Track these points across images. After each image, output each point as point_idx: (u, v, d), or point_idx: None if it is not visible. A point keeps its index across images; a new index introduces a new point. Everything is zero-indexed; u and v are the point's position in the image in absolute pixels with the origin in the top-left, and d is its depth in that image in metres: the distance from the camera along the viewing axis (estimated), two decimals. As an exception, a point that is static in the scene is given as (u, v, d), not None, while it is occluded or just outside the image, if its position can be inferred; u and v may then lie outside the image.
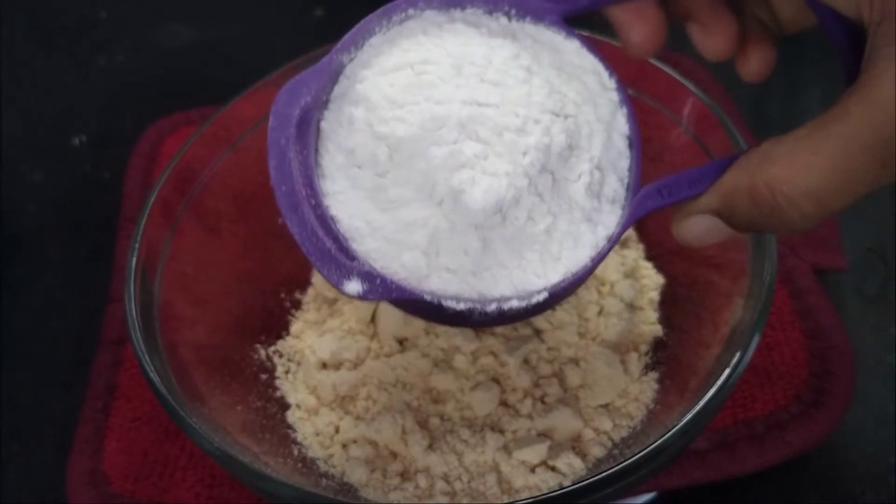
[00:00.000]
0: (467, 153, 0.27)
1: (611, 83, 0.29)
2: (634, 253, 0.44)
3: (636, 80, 0.41)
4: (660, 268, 0.43)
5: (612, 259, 0.43)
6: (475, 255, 0.27)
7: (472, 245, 0.27)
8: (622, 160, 0.29)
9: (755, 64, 0.29)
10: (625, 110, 0.29)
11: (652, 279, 0.43)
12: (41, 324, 0.49)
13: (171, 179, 0.39)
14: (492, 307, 0.28)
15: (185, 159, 0.40)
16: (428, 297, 0.27)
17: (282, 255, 0.44)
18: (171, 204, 0.39)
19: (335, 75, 0.28)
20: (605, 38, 0.32)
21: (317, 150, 0.28)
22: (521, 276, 0.28)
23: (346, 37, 0.28)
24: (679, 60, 0.53)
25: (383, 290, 0.27)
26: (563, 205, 0.28)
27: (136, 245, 0.36)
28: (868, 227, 0.49)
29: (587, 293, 0.42)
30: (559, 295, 0.28)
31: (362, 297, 0.26)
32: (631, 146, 0.29)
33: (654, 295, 0.42)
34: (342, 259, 0.27)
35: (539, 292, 0.28)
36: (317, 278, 0.45)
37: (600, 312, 0.41)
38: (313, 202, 0.27)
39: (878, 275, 0.47)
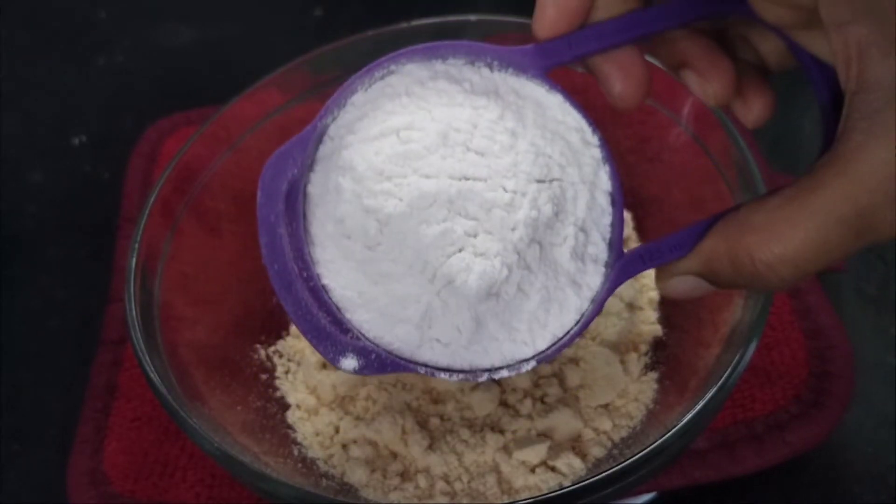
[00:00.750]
0: (458, 231, 0.27)
1: (594, 139, 0.29)
2: (634, 253, 0.44)
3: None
4: (660, 268, 0.43)
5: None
6: (468, 332, 0.28)
7: (466, 324, 0.28)
8: (604, 217, 0.29)
9: (757, 109, 0.29)
10: (607, 167, 0.29)
11: (652, 279, 0.43)
12: (41, 324, 0.49)
13: (171, 179, 0.39)
14: (483, 378, 0.29)
15: (185, 159, 0.40)
16: (422, 371, 0.28)
17: (282, 255, 0.44)
18: (171, 204, 0.39)
19: (319, 136, 0.28)
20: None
21: (305, 214, 0.28)
22: (511, 347, 0.29)
23: (330, 101, 0.28)
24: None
25: (378, 365, 0.28)
26: (550, 271, 0.29)
27: (136, 245, 0.36)
28: None
29: (587, 293, 0.42)
30: (545, 359, 0.29)
31: (358, 372, 0.28)
32: (613, 203, 0.29)
33: (654, 295, 0.42)
34: (337, 335, 0.27)
35: (527, 361, 0.29)
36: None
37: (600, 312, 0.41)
38: (305, 275, 0.28)
39: (878, 275, 0.47)
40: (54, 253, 0.53)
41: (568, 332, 0.29)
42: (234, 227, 0.42)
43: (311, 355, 0.42)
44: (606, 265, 0.29)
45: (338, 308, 0.28)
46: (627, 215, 0.44)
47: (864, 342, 0.43)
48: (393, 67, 0.29)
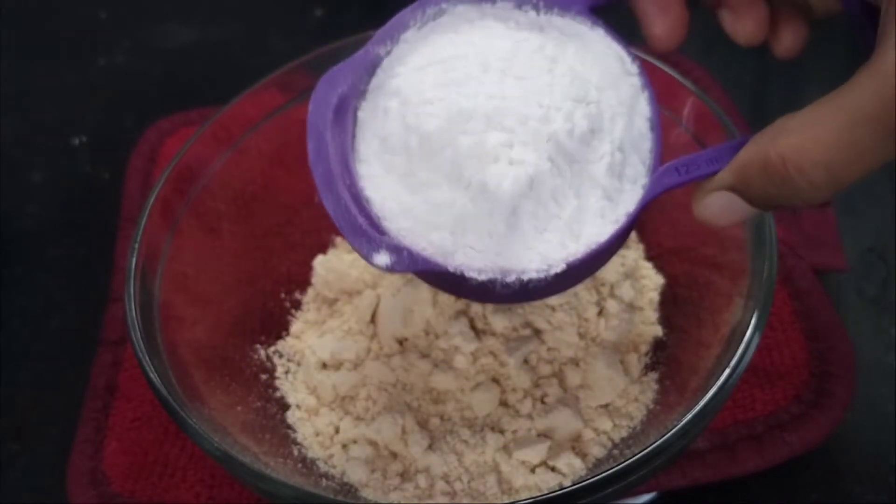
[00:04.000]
0: (493, 142, 0.28)
1: (633, 68, 0.30)
2: (634, 253, 0.44)
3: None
4: (660, 268, 0.43)
5: (612, 259, 0.43)
6: (500, 237, 0.29)
7: (498, 229, 0.28)
8: (644, 142, 0.30)
9: (787, 40, 0.30)
10: (647, 94, 0.30)
11: (652, 279, 0.43)
12: (41, 324, 0.49)
13: (171, 179, 0.39)
14: (511, 278, 0.29)
15: (185, 159, 0.40)
16: (452, 269, 0.29)
17: (282, 255, 0.44)
18: (171, 204, 0.39)
19: (372, 67, 0.30)
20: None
21: (354, 136, 0.30)
22: (542, 253, 0.29)
23: (382, 30, 0.30)
24: (679, 60, 0.53)
25: (410, 261, 0.28)
26: (585, 184, 0.29)
27: (136, 245, 0.36)
28: (868, 227, 0.49)
29: (587, 294, 0.42)
30: (578, 270, 0.29)
31: (390, 268, 0.28)
32: (652, 128, 0.30)
33: (654, 295, 0.42)
34: (372, 233, 0.28)
35: (558, 266, 0.29)
36: (317, 278, 0.45)
37: (600, 313, 0.41)
38: (348, 182, 0.29)
39: (878, 275, 0.47)
40: (54, 253, 0.53)
41: (600, 240, 0.29)
42: (234, 227, 0.42)
43: (311, 355, 0.42)
44: (645, 187, 0.30)
45: (377, 217, 0.29)
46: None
47: (865, 343, 0.43)
48: (444, 6, 0.30)
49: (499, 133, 0.28)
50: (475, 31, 0.30)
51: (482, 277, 0.29)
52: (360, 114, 0.30)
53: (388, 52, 0.30)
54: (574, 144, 0.28)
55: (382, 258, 0.28)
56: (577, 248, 0.29)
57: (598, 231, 0.29)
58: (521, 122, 0.28)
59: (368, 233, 0.28)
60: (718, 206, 0.28)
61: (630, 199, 0.30)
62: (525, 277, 0.29)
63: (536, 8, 0.31)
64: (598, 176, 0.29)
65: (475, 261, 0.29)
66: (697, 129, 0.39)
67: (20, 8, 0.72)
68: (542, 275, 0.29)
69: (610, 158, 0.29)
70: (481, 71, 0.29)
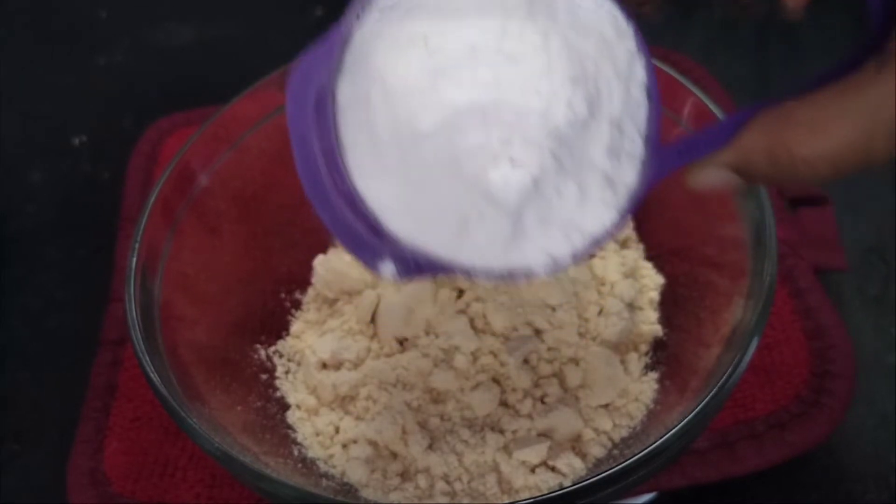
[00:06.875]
0: (493, 140, 0.27)
1: (628, 28, 0.29)
2: (634, 253, 0.44)
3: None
4: (660, 268, 0.43)
5: (612, 259, 0.43)
6: (505, 238, 0.28)
7: (503, 230, 0.28)
8: (640, 111, 0.29)
9: None
10: (642, 59, 0.29)
11: (652, 279, 0.43)
12: (41, 324, 0.49)
13: (171, 179, 0.39)
14: (521, 279, 0.28)
15: (185, 159, 0.40)
16: (459, 273, 0.28)
17: (282, 255, 0.44)
18: (171, 204, 0.39)
19: (345, 41, 0.28)
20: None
21: (336, 124, 0.27)
22: (548, 249, 0.28)
23: (354, 2, 0.28)
24: (679, 60, 0.53)
25: (416, 268, 0.27)
26: (585, 170, 0.28)
27: (136, 245, 0.36)
28: (868, 227, 0.49)
29: (587, 293, 0.42)
30: (582, 257, 0.29)
31: (397, 277, 0.27)
32: (649, 96, 0.29)
33: (654, 295, 0.42)
34: (375, 242, 0.27)
35: (565, 262, 0.28)
36: (317, 278, 0.45)
37: (600, 312, 0.41)
38: (340, 184, 0.27)
39: (878, 275, 0.47)
40: (54, 253, 0.53)
41: (604, 229, 0.29)
42: (234, 227, 0.42)
43: (311, 355, 0.42)
44: (643, 161, 0.29)
45: (374, 215, 0.27)
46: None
47: (865, 342, 0.43)
48: None
49: (497, 130, 0.27)
50: None
51: (491, 281, 0.28)
52: (340, 97, 0.27)
53: (362, 24, 0.28)
54: (575, 132, 0.27)
55: (388, 268, 0.27)
56: (583, 240, 0.28)
57: (601, 219, 0.28)
58: (519, 116, 0.27)
59: (371, 243, 0.27)
60: (714, 180, 0.28)
61: (629, 176, 0.29)
62: (533, 276, 0.28)
63: None
64: (598, 160, 0.28)
65: (481, 260, 0.28)
66: (697, 129, 0.39)
67: (20, 8, 0.72)
68: (549, 273, 0.28)
69: (609, 138, 0.28)
70: (470, 54, 0.27)
